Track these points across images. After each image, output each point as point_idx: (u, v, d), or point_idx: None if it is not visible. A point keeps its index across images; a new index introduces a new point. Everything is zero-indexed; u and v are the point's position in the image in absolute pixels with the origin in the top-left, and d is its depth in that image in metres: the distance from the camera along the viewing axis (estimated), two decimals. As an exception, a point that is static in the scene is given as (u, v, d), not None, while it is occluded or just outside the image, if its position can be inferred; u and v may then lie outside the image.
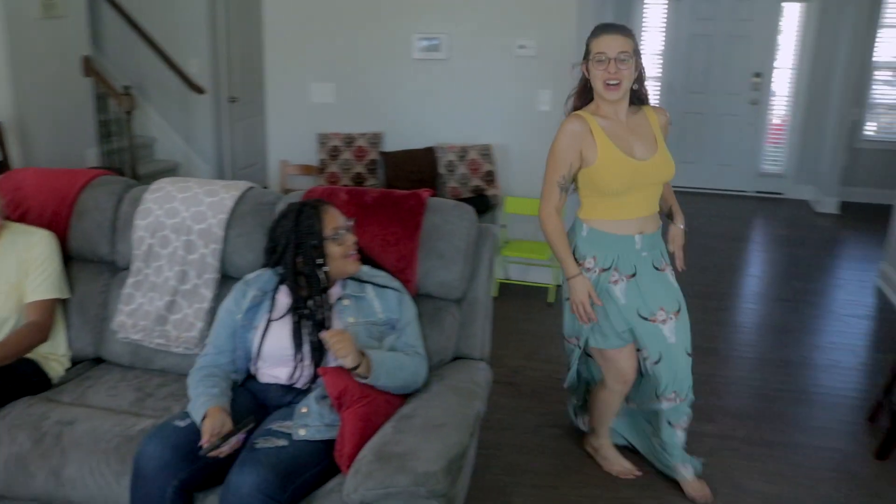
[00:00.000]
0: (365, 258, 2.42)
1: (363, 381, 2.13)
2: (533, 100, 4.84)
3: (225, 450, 2.02)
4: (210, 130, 6.69)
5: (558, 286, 5.07)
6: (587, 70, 2.56)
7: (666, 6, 7.83)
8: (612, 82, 2.47)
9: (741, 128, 7.93)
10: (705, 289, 5.22)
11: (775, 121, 7.94)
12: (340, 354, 2.07)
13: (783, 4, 7.59)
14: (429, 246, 2.53)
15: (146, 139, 6.61)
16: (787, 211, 7.46)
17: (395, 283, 2.41)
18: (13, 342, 2.55)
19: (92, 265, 2.87)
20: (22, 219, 2.81)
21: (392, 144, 5.08)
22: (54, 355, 2.70)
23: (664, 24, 7.89)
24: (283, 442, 2.07)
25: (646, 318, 2.67)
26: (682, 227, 2.80)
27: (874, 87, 7.53)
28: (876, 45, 7.32)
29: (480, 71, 4.87)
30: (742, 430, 3.37)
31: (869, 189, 7.57)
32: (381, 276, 2.41)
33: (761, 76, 7.73)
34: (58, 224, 2.82)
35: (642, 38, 7.93)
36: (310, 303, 2.25)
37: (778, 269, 5.83)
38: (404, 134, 5.03)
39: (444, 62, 4.90)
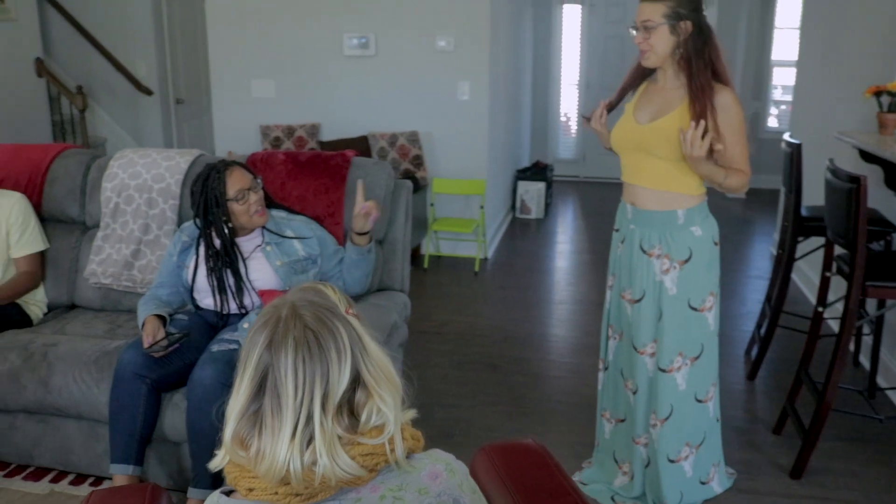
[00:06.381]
0: (278, 205, 2.88)
1: (360, 250, 2.75)
2: (453, 90, 5.40)
3: (159, 353, 2.51)
4: (159, 131, 7.09)
5: (484, 259, 5.63)
6: None
7: (580, 10, 8.50)
8: (643, 50, 2.44)
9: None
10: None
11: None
12: (371, 218, 2.69)
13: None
14: (354, 195, 3.02)
15: (97, 139, 6.98)
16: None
17: (312, 224, 2.86)
18: (10, 287, 3.01)
19: (63, 225, 3.32)
20: (-1, 186, 3.23)
21: (329, 134, 5.58)
22: (33, 300, 3.14)
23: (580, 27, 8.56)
24: (234, 346, 2.55)
25: None
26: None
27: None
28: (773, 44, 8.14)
29: (406, 65, 5.42)
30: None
31: (771, 176, 8.29)
32: (298, 220, 2.85)
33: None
34: (31, 190, 3.25)
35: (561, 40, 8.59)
36: (220, 250, 2.67)
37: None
38: (340, 124, 5.54)
39: (372, 58, 5.43)
